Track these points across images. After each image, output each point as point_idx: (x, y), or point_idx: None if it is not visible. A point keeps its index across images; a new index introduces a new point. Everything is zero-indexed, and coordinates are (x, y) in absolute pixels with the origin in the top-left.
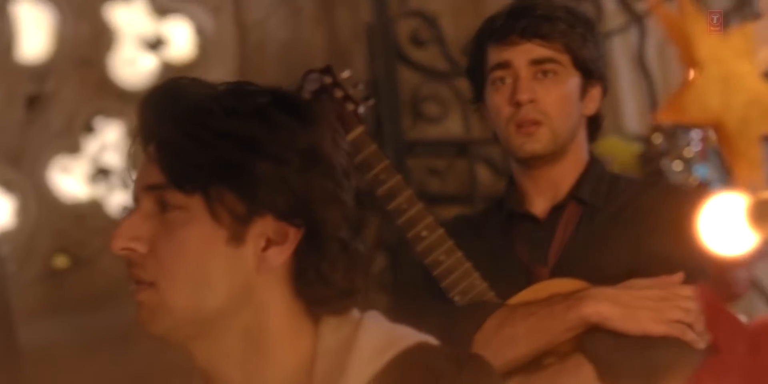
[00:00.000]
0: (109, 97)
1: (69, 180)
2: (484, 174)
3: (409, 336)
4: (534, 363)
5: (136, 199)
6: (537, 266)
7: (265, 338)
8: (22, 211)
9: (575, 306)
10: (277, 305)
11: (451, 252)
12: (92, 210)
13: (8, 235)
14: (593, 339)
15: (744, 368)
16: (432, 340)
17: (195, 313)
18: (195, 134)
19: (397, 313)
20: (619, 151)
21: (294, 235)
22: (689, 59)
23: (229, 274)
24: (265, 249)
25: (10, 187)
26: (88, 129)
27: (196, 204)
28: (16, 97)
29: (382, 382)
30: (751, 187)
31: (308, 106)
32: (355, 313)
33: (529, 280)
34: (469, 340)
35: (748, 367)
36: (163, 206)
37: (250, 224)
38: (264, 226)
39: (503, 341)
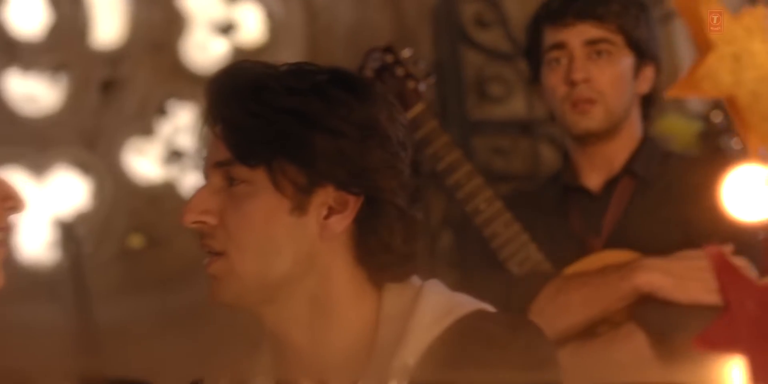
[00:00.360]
0: (181, 80)
1: (143, 162)
2: (547, 153)
3: (467, 303)
4: (588, 331)
5: (206, 176)
6: (591, 238)
7: (329, 303)
8: (98, 193)
9: (628, 276)
10: (340, 271)
11: (508, 224)
12: (166, 191)
13: (84, 216)
14: (645, 308)
15: (753, 324)
16: (489, 307)
17: (263, 279)
18: (257, 112)
19: (463, 288)
20: (679, 130)
21: (354, 203)
22: (702, 39)
23: (293, 242)
24: (326, 217)
25: (86, 169)
26: (162, 112)
27: (260, 177)
28: (92, 82)
29: (441, 347)
30: (764, 159)
31: (364, 83)
32: (416, 280)
33: (584, 251)
34: (526, 309)
35: (757, 323)
36: (230, 181)
37: (311, 194)
38: (325, 195)
39: (558, 310)
